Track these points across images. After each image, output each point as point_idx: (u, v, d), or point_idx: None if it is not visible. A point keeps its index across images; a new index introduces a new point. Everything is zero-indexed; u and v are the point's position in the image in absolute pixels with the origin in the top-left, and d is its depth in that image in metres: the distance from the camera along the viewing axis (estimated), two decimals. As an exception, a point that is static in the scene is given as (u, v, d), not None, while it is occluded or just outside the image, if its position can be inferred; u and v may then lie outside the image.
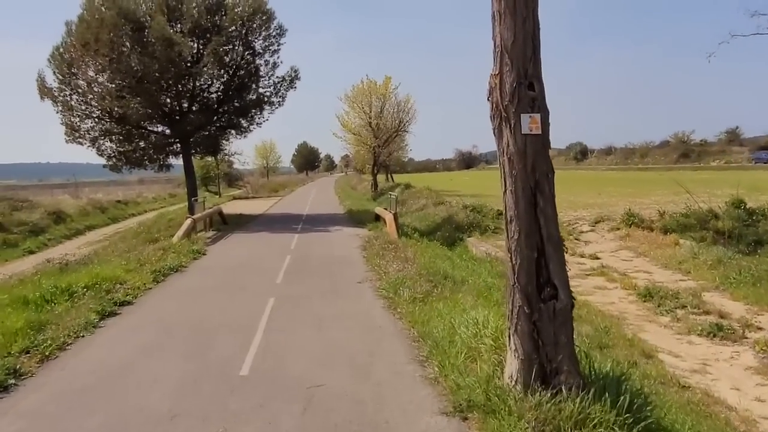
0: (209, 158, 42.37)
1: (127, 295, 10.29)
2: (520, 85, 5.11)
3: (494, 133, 5.37)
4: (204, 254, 15.95)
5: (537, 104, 5.16)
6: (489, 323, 6.51)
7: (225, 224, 24.49)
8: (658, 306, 11.97)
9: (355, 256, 14.92)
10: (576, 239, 21.11)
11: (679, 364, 9.17)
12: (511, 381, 5.27)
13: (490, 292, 10.93)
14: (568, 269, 5.54)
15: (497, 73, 5.20)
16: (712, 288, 13.53)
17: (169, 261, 13.85)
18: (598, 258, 17.61)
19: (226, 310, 9.42)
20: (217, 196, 47.12)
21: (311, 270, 13.01)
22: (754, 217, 20.83)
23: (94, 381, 6.42)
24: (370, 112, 41.10)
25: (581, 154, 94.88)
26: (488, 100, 5.37)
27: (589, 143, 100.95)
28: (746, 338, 10.35)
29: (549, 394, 4.87)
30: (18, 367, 6.70)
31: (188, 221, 18.56)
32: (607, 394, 4.81)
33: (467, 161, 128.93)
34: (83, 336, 8.09)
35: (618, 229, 21.66)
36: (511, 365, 5.31)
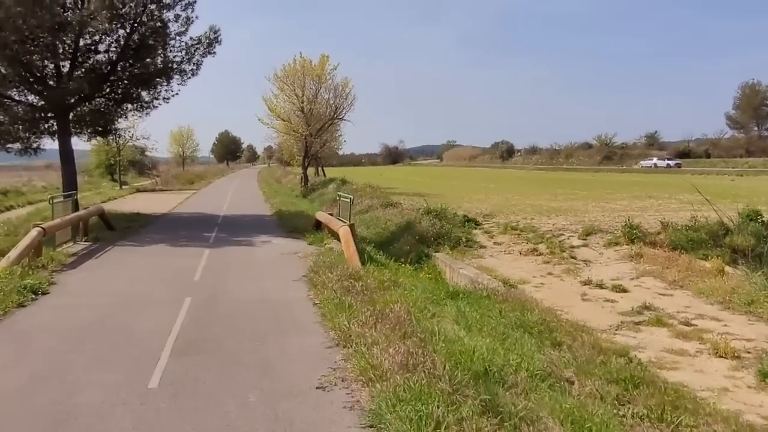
0: (100, 139, 34.00)
1: None
2: None
3: None
4: (44, 294, 9.26)
5: None
6: None
7: (111, 230, 17.49)
8: (823, 406, 6.95)
9: (300, 302, 8.89)
10: (572, 258, 16.15)
11: None
12: None
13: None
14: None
15: None
16: (840, 354, 8.76)
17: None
18: (624, 290, 12.64)
19: None
20: (118, 188, 38.74)
21: (224, 342, 6.86)
22: (774, 233, 16.84)
23: None
24: (303, 95, 34.64)
25: (507, 153, 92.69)
26: None
27: (513, 142, 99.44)
28: None
29: None
30: None
31: (33, 232, 11.57)
32: None
33: (393, 156, 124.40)
34: None
35: (617, 243, 16.96)
36: None
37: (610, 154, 73.61)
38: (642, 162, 65.94)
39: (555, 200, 29.39)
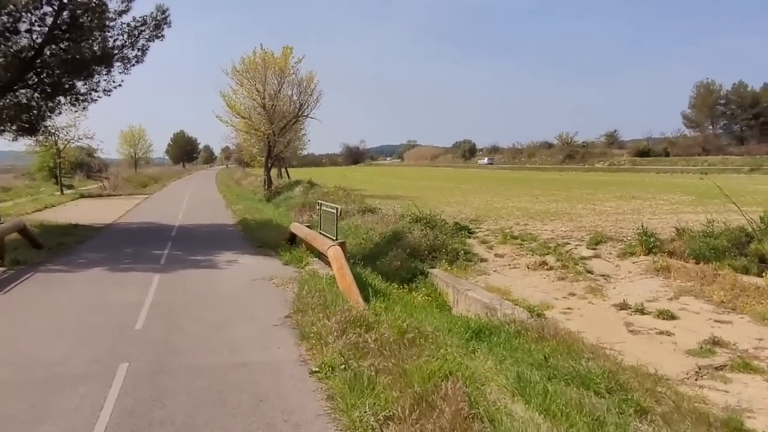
0: (33, 140, 29.78)
1: None
2: None
3: None
4: None
5: None
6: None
7: (37, 248, 14.11)
8: None
9: (290, 368, 6.08)
10: (588, 272, 13.89)
11: None
12: None
13: None
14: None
15: None
16: None
17: None
18: (672, 316, 10.37)
19: None
20: (59, 193, 34.45)
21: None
22: (800, 239, 15.03)
23: None
24: (264, 91, 31.43)
25: (470, 152, 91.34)
26: None
27: (475, 141, 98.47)
28: None
29: None
30: None
31: None
32: None
33: (354, 156, 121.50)
34: None
35: (633, 254, 14.84)
36: None
37: (573, 153, 73.17)
38: (479, 161, 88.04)
39: (538, 202, 27.37)
